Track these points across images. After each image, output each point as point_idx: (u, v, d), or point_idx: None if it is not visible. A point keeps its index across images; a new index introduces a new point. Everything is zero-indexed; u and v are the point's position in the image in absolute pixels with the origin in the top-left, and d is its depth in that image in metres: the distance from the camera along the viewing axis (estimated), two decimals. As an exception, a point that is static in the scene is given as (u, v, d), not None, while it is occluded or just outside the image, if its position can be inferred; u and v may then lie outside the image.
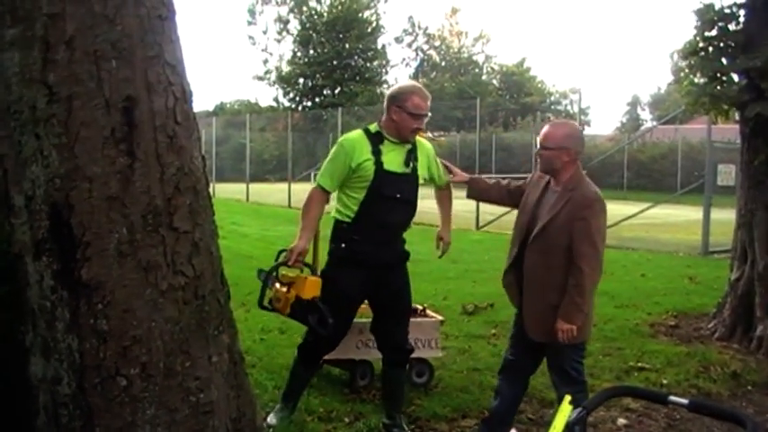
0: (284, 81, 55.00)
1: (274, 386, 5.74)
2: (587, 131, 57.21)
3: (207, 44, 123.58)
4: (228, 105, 63.79)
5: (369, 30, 53.69)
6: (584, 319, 4.40)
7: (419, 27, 61.84)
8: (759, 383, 6.49)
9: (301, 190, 27.69)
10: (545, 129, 4.58)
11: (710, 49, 7.51)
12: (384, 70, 56.44)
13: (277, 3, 56.01)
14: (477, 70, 63.04)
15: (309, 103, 52.87)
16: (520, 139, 41.42)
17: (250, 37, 58.95)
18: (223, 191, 30.29)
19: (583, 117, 61.24)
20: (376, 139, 4.70)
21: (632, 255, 14.69)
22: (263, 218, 21.12)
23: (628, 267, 12.62)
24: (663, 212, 21.22)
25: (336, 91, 52.57)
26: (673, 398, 2.38)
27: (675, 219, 20.94)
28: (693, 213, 15.63)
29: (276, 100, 56.41)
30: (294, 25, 55.57)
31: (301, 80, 54.51)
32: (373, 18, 54.40)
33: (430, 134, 5.05)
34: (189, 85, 3.16)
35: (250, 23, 57.96)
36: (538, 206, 4.53)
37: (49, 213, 2.89)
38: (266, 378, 5.96)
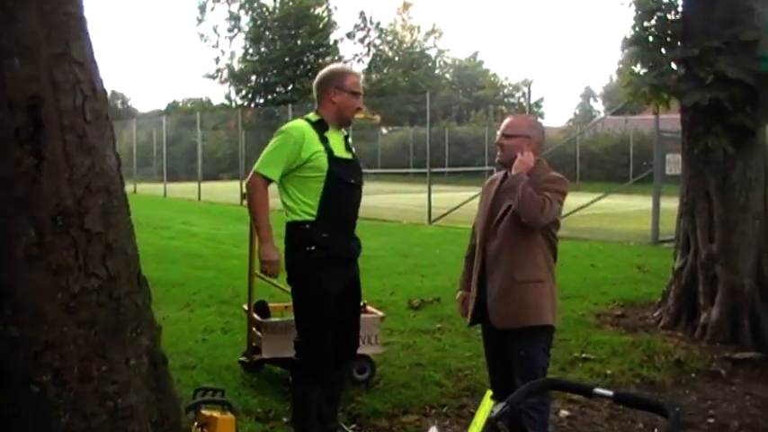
0: (236, 79, 54.54)
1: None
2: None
3: (157, 42, 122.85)
4: (181, 104, 63.15)
5: (320, 26, 53.44)
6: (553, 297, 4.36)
7: (371, 22, 61.65)
8: (702, 371, 6.52)
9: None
10: (507, 119, 4.54)
11: (650, 38, 7.53)
12: (337, 66, 56.12)
13: (227, 1, 55.49)
14: (429, 65, 63.14)
15: (262, 101, 52.51)
16: (473, 132, 41.65)
17: (201, 35, 58.38)
18: (175, 190, 30.03)
19: (535, 109, 61.71)
20: (320, 128, 4.51)
21: (583, 245, 14.76)
22: (214, 217, 20.91)
23: (578, 258, 12.66)
24: (615, 203, 21.41)
25: (289, 88, 52.25)
26: (598, 390, 2.35)
27: (627, 209, 21.12)
28: (645, 203, 15.78)
29: (228, 98, 55.88)
30: (245, 22, 55.13)
31: (253, 77, 54.10)
32: (325, 14, 54.16)
33: (363, 114, 4.92)
34: (101, 82, 3.05)
35: (200, 21, 57.33)
36: (495, 201, 4.43)
37: (-46, 217, 2.78)
38: (206, 379, 5.84)
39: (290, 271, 4.56)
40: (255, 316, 5.90)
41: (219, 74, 56.04)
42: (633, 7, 7.58)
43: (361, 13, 65.37)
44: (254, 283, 5.89)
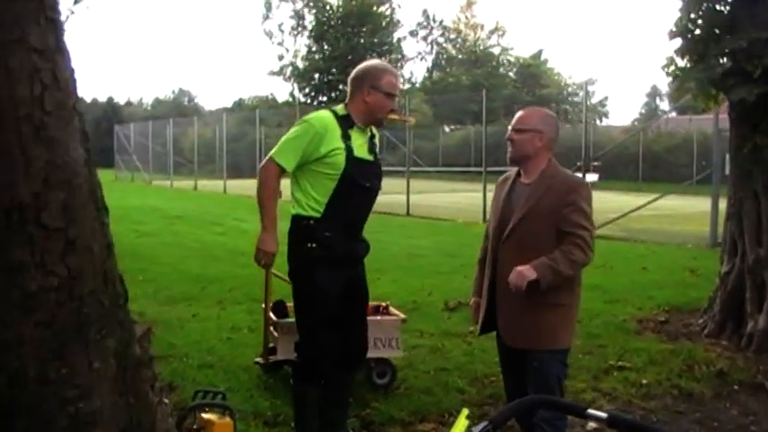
0: (299, 76, 54.90)
1: (227, 388, 5.51)
2: (604, 123, 56.70)
3: (225, 40, 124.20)
4: (247, 101, 63.72)
5: (383, 24, 53.44)
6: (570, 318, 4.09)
7: (434, 20, 61.42)
8: (745, 383, 6.17)
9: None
10: (519, 113, 4.24)
11: (696, 30, 7.16)
12: (399, 64, 56.19)
13: (292, -1, 55.81)
14: (493, 63, 62.55)
15: (325, 98, 52.73)
16: (535, 131, 41.03)
17: (267, 32, 58.68)
18: (236, 187, 30.17)
19: (600, 108, 60.75)
20: (345, 124, 4.30)
21: (638, 247, 14.38)
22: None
23: (630, 260, 12.31)
24: (675, 203, 20.83)
25: (351, 86, 52.30)
26: (591, 411, 2.10)
27: (688, 210, 20.50)
28: (706, 204, 15.28)
29: (292, 95, 56.26)
30: (309, 20, 55.42)
31: (317, 75, 54.41)
32: (388, 12, 54.15)
33: (397, 115, 4.66)
34: (68, 71, 2.89)
35: (266, 18, 57.75)
36: (508, 203, 4.18)
37: None
38: (221, 379, 5.76)
39: (291, 265, 4.41)
40: (271, 315, 5.75)
41: (284, 71, 56.47)
42: (680, -2, 7.21)
43: (424, 12, 65.41)
44: (272, 281, 5.73)
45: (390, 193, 24.03)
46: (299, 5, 55.47)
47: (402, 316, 5.91)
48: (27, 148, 2.70)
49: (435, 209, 21.64)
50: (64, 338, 2.81)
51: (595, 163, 31.47)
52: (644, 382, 6.04)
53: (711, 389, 6.02)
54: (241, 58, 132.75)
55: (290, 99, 55.49)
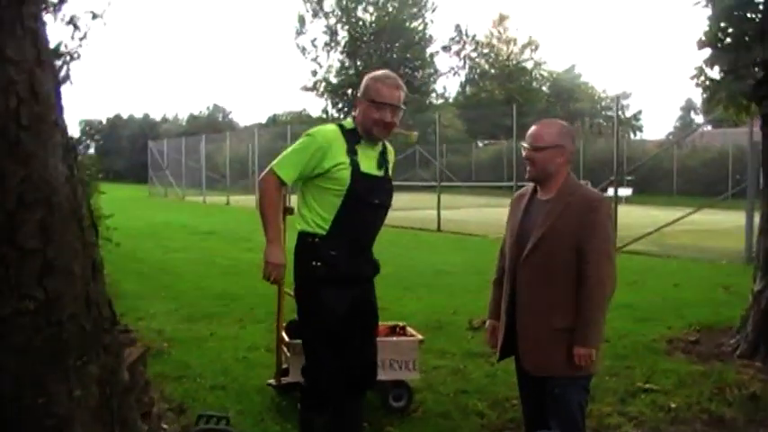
0: (332, 92, 55.11)
1: (238, 411, 5.37)
2: (638, 137, 56.12)
3: (259, 55, 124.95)
4: (281, 117, 63.92)
5: (416, 39, 53.47)
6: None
7: (467, 35, 61.33)
8: (781, 407, 5.87)
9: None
10: (533, 128, 4.01)
11: (726, 39, 6.90)
12: (432, 79, 56.16)
13: (324, 15, 56.04)
14: (526, 77, 62.18)
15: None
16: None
17: (300, 47, 58.95)
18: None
19: (634, 122, 60.04)
20: (352, 138, 4.09)
21: (671, 263, 14.04)
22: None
23: (662, 277, 12.00)
24: (710, 218, 20.39)
25: (385, 101, 52.44)
26: None
27: (723, 225, 20.05)
28: (742, 219, 14.92)
29: (325, 111, 56.45)
30: (342, 35, 55.63)
31: (349, 91, 54.58)
32: (420, 27, 54.18)
33: (400, 129, 4.43)
34: (49, 85, 2.75)
35: (300, 33, 58.01)
36: (525, 221, 3.97)
37: None
38: (233, 402, 5.62)
39: (295, 283, 4.22)
40: (284, 335, 5.59)
41: (317, 87, 56.70)
42: (709, 6, 6.95)
43: (457, 26, 65.15)
44: (285, 300, 5.56)
45: (422, 209, 23.97)
46: (332, 21, 55.73)
47: (419, 337, 5.70)
48: (2, 164, 2.56)
49: (467, 224, 21.40)
50: (41, 365, 2.67)
51: (629, 177, 31.23)
52: (672, 405, 5.77)
53: (744, 414, 5.72)
54: (275, 74, 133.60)
55: (323, 114, 55.71)
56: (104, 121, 77.47)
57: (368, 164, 4.12)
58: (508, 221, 4.19)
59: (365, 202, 4.08)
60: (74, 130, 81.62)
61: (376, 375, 4.47)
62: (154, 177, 45.15)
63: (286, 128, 36.88)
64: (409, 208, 25.52)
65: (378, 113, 4.06)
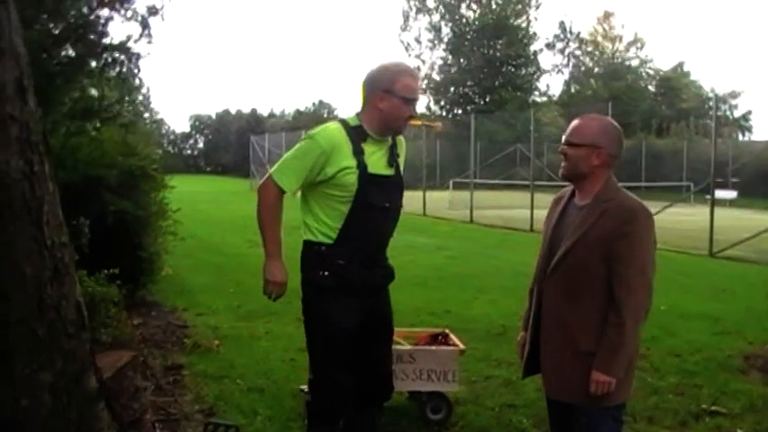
0: (435, 89, 54.96)
1: (268, 416, 5.20)
2: (746, 137, 53.86)
3: (364, 51, 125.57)
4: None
5: (519, 36, 52.76)
6: (627, 368, 3.46)
7: (571, 32, 60.06)
8: None
9: (438, 198, 27.37)
10: (575, 121, 3.59)
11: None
12: (535, 77, 55.28)
13: (428, 11, 55.88)
14: (632, 75, 60.45)
15: (460, 111, 52.53)
16: (671, 146, 39.44)
17: (404, 44, 58.86)
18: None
19: (743, 122, 57.61)
20: (357, 137, 3.78)
21: (766, 271, 13.25)
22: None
23: (753, 285, 11.30)
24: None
25: (486, 99, 52.06)
26: None
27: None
28: None
29: (428, 108, 56.28)
30: (446, 32, 55.38)
31: (452, 88, 54.35)
32: (524, 25, 53.45)
33: (419, 121, 4.09)
34: (4, 77, 2.60)
35: (404, 29, 58.00)
36: (558, 228, 3.60)
37: None
38: (265, 406, 5.44)
39: (302, 294, 3.94)
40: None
41: (420, 84, 56.59)
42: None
43: (561, 23, 63.62)
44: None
45: (518, 208, 23.44)
46: (436, 18, 55.51)
47: (461, 347, 5.39)
48: (-59, 158, 2.43)
49: (516, 221, 21.07)
50: (-16, 371, 2.53)
51: (734, 179, 29.91)
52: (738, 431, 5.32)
53: (819, 444, 5.24)
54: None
55: (426, 111, 55.53)
56: (213, 116, 79.26)
57: (376, 163, 3.81)
58: (544, 227, 3.81)
59: (374, 207, 3.78)
60: (184, 125, 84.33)
61: (392, 388, 4.19)
62: (255, 171, 45.80)
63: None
64: (502, 206, 25.10)
65: (409, 110, 3.80)
